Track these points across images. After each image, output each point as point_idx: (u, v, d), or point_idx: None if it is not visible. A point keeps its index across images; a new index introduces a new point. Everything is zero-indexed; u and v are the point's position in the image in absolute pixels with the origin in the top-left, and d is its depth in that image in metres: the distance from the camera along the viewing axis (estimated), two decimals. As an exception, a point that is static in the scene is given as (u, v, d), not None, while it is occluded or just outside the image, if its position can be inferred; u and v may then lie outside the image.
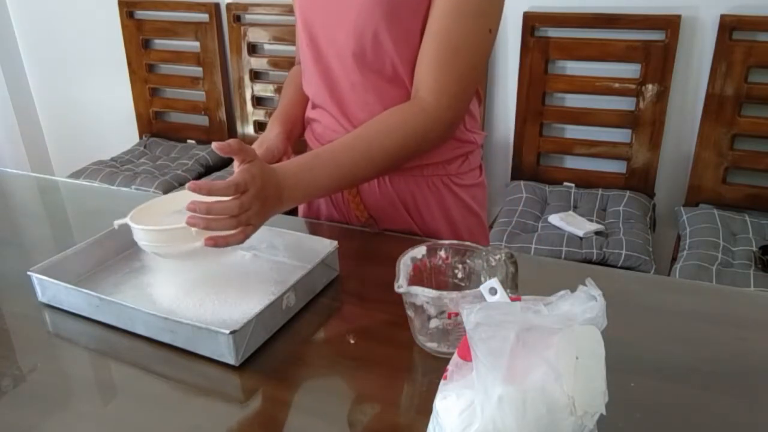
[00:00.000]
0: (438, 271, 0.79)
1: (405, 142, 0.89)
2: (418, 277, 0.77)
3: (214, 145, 0.74)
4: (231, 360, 0.72)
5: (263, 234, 0.94)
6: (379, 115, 0.90)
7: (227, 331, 0.70)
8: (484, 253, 0.77)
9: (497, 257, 0.75)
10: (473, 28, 0.87)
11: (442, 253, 0.79)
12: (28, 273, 0.84)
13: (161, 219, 0.84)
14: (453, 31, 0.87)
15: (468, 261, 0.79)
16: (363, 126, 0.90)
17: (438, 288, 0.73)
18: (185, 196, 0.88)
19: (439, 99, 0.88)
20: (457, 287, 0.79)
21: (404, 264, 0.74)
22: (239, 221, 0.75)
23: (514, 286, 0.73)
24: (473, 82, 0.91)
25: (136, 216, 0.84)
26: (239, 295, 0.83)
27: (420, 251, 0.78)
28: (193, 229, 0.74)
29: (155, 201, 0.90)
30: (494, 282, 0.53)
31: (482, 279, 0.77)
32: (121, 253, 0.96)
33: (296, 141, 1.06)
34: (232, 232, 0.75)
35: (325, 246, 0.88)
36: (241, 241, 0.76)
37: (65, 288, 0.82)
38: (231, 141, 0.75)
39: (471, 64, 0.89)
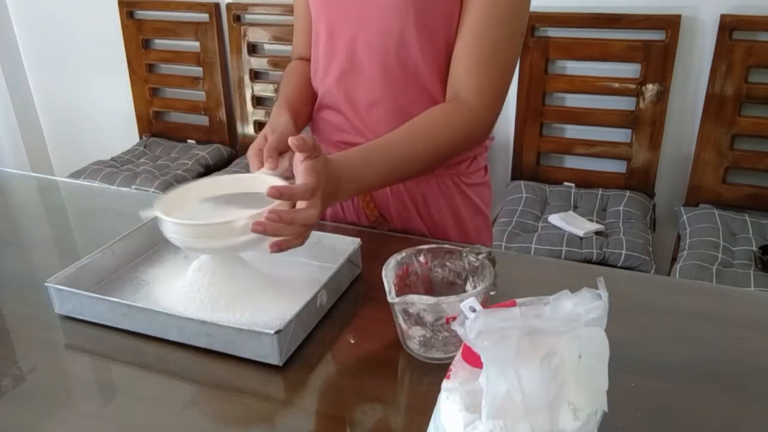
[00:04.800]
0: (420, 277, 0.79)
1: (453, 140, 0.90)
2: (401, 285, 0.76)
3: (291, 140, 0.71)
4: (275, 360, 0.71)
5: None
6: (426, 112, 0.90)
7: (272, 332, 0.69)
8: (463, 254, 0.77)
9: (480, 257, 0.75)
10: (509, 31, 0.90)
11: (422, 258, 0.79)
12: (45, 284, 0.81)
13: (191, 209, 0.80)
14: (492, 34, 0.89)
15: (448, 264, 0.79)
16: (412, 123, 0.89)
17: (425, 293, 0.73)
18: (212, 184, 0.86)
19: (482, 100, 0.90)
20: (442, 290, 0.79)
21: (388, 275, 0.73)
22: (309, 228, 0.73)
23: (495, 285, 0.73)
24: (509, 83, 0.94)
25: (165, 208, 0.77)
26: (265, 298, 0.82)
27: (401, 259, 0.77)
28: (238, 223, 0.72)
29: (179, 190, 0.84)
30: (473, 301, 0.52)
31: (467, 279, 0.78)
32: (130, 262, 0.93)
33: (298, 131, 1.03)
34: (292, 236, 0.72)
35: (348, 244, 0.88)
36: (301, 245, 0.74)
37: (89, 298, 0.79)
38: (306, 137, 0.72)
39: (507, 66, 0.92)
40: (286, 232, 0.71)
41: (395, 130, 0.89)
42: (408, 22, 0.89)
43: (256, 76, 2.59)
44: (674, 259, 1.88)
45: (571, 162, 2.30)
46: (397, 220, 1.04)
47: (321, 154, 0.75)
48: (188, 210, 0.80)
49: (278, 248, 0.72)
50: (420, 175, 0.98)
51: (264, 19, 2.52)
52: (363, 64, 0.95)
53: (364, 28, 0.93)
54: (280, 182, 0.82)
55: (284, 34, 2.47)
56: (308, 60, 1.10)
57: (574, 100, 2.20)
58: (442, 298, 0.67)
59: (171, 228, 0.75)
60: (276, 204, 0.73)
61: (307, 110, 1.07)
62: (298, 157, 0.74)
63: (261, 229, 0.70)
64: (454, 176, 1.02)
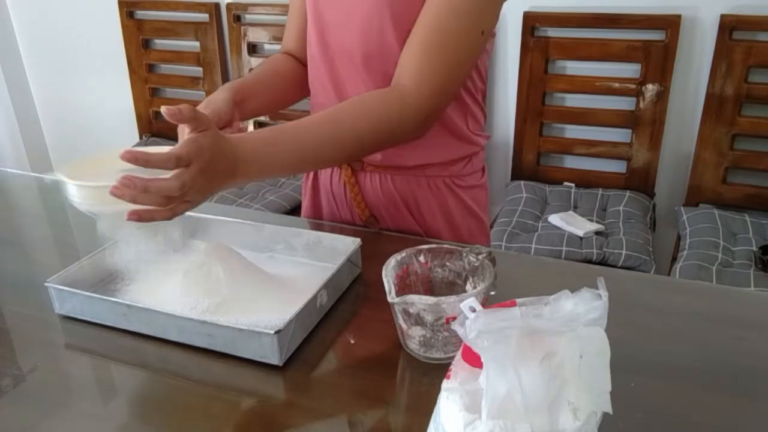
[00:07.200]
0: (420, 277, 0.79)
1: (378, 126, 0.85)
2: (401, 285, 0.77)
3: (163, 109, 0.66)
4: (275, 360, 0.71)
5: (280, 234, 0.94)
6: (355, 96, 0.87)
7: (272, 332, 0.69)
8: (463, 254, 0.77)
9: (480, 257, 0.75)
10: (465, 27, 0.86)
11: (422, 258, 0.78)
12: (45, 284, 0.81)
13: (105, 177, 0.73)
14: (444, 26, 0.85)
15: (448, 264, 0.79)
16: (336, 106, 0.85)
17: (425, 293, 0.73)
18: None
19: (420, 89, 0.86)
20: (442, 290, 0.79)
21: (389, 275, 0.73)
22: (172, 200, 0.67)
23: (494, 285, 0.73)
24: (457, 79, 0.90)
25: (73, 171, 0.74)
26: (265, 298, 0.82)
27: (401, 259, 0.77)
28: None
29: (97, 155, 0.80)
30: (473, 301, 0.52)
31: (467, 279, 0.78)
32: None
33: (244, 116, 0.98)
34: (154, 207, 0.67)
35: (347, 244, 0.88)
36: (169, 218, 0.69)
37: (89, 298, 0.79)
38: (183, 107, 0.67)
39: (457, 61, 0.88)
40: (142, 200, 0.66)
41: (315, 113, 0.85)
42: (386, 22, 0.89)
43: (256, 76, 2.59)
44: (674, 259, 1.88)
45: (571, 162, 2.30)
46: (389, 221, 1.04)
47: (210, 128, 0.70)
48: (100, 177, 0.74)
49: (137, 217, 0.66)
50: (347, 161, 0.96)
51: (264, 19, 2.52)
52: (351, 62, 0.95)
53: (347, 28, 0.93)
54: None
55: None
56: (292, 56, 1.10)
57: (574, 100, 2.20)
58: (442, 298, 0.67)
59: (68, 190, 0.73)
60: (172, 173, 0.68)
61: (260, 99, 1.01)
62: (184, 129, 0.70)
63: (119, 192, 0.64)
64: (446, 178, 1.01)
